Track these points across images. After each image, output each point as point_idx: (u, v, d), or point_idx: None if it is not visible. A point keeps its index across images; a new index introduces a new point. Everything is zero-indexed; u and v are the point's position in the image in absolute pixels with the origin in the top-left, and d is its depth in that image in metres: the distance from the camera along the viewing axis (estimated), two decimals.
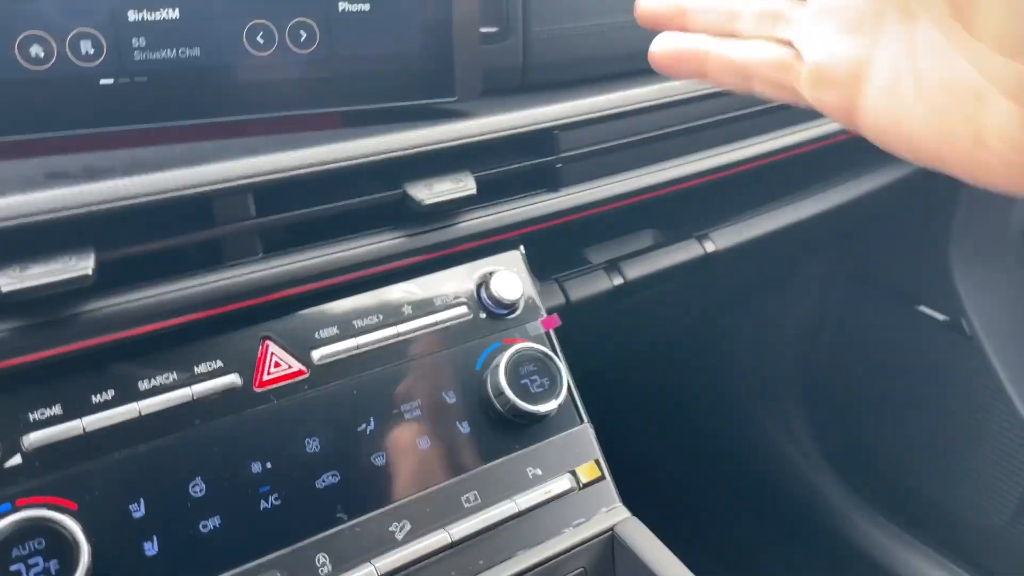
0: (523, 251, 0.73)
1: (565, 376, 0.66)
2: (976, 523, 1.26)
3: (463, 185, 0.65)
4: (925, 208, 1.21)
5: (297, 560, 0.54)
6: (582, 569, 0.62)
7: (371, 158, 0.61)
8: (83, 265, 0.51)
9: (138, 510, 0.52)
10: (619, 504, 0.65)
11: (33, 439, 0.51)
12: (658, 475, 1.57)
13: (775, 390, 1.47)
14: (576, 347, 0.73)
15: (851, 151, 0.98)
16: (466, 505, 0.60)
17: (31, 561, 0.47)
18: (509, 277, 0.69)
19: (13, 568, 0.47)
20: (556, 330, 0.71)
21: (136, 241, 0.55)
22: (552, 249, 0.82)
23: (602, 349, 1.15)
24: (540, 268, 0.80)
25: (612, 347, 1.19)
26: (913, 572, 1.35)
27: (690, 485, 1.56)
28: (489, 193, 0.69)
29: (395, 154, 0.62)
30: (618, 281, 0.84)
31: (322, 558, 0.55)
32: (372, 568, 0.56)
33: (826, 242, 1.31)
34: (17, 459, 0.50)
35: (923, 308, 1.26)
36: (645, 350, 1.39)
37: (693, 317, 1.37)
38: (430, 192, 0.64)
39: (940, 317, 1.25)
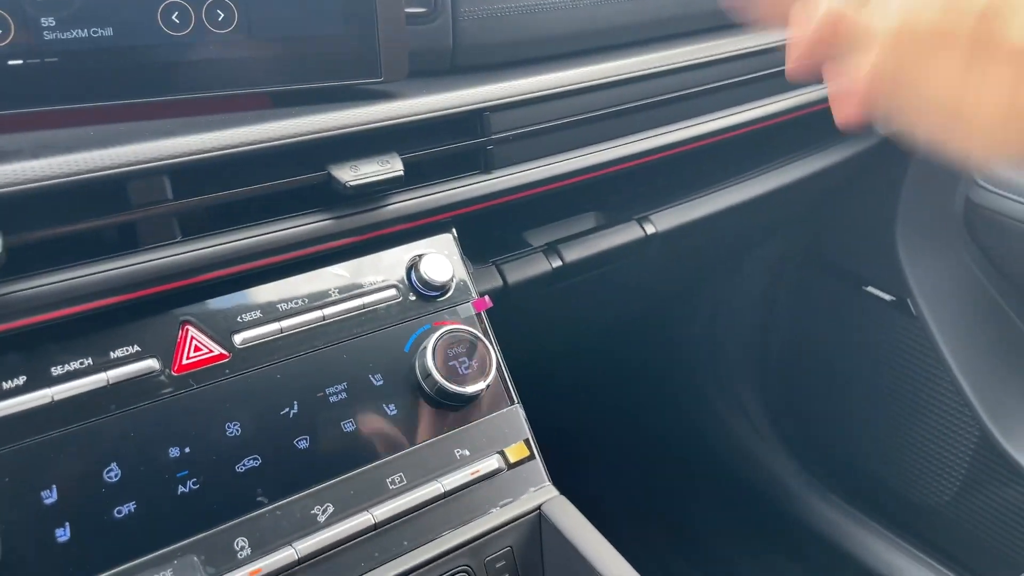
0: (455, 234, 0.72)
1: (495, 357, 0.66)
2: (922, 500, 1.29)
3: (390, 167, 0.65)
4: (872, 190, 1.23)
5: (215, 544, 0.54)
6: (509, 548, 0.62)
7: (294, 139, 0.61)
8: None
9: (50, 496, 0.51)
10: (548, 484, 0.66)
11: None
12: (607, 459, 1.58)
13: (728, 373, 1.49)
14: (520, 332, 0.73)
15: (796, 131, 0.99)
16: (391, 487, 0.60)
17: None
18: (439, 259, 0.68)
19: None
20: (498, 315, 0.71)
21: (47, 225, 0.54)
22: (491, 234, 0.82)
23: (549, 334, 1.15)
24: (479, 252, 0.80)
25: (561, 332, 1.20)
26: (863, 549, 1.37)
27: (643, 468, 1.57)
28: (419, 176, 0.69)
29: (318, 135, 0.62)
30: (556, 263, 0.84)
31: (241, 542, 0.55)
32: (292, 551, 0.55)
33: (775, 226, 1.32)
34: None
35: (870, 289, 1.28)
36: (595, 336, 1.39)
37: (645, 302, 1.37)
38: (355, 174, 0.63)
39: (887, 297, 1.26)
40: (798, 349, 1.44)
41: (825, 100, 0.93)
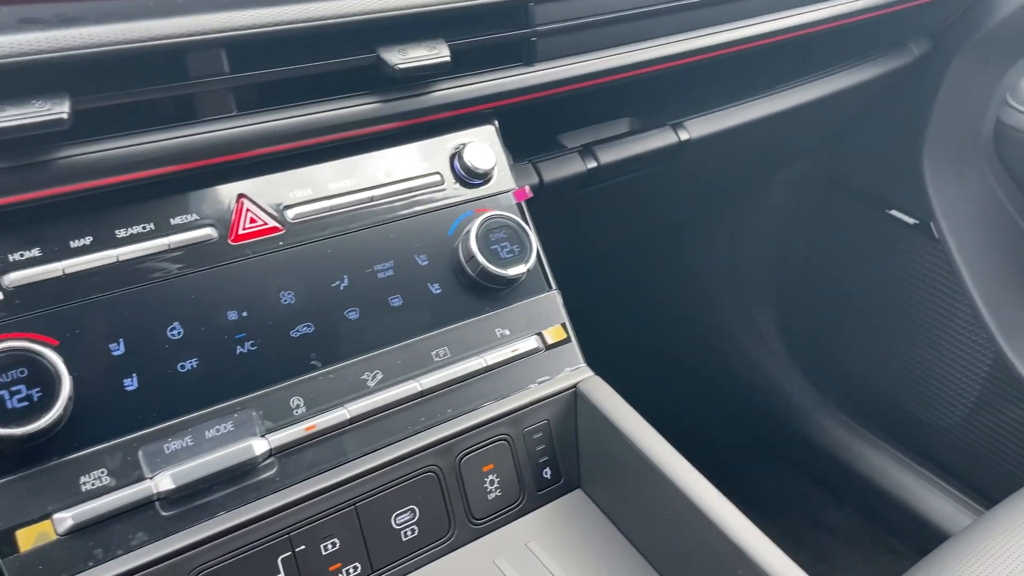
0: (497, 126, 0.74)
1: (535, 244, 0.68)
2: (933, 421, 1.32)
3: (437, 52, 0.66)
4: (900, 111, 1.23)
5: (273, 401, 0.57)
6: (546, 421, 0.65)
7: (345, 18, 0.62)
8: (59, 110, 0.52)
9: (117, 348, 0.54)
10: (583, 364, 0.68)
11: (13, 278, 0.52)
12: (627, 362, 1.61)
13: (745, 294, 1.51)
14: (551, 230, 0.75)
15: (834, 42, 0.99)
16: (436, 359, 0.63)
17: (14, 388, 0.50)
18: (482, 148, 0.70)
19: None
20: (531, 213, 0.72)
21: (111, 90, 0.55)
22: (528, 134, 0.84)
23: (576, 239, 1.17)
24: (516, 151, 0.81)
25: (586, 238, 1.21)
26: (871, 468, 1.41)
27: (660, 376, 1.60)
28: (463, 65, 0.70)
29: (370, 16, 0.63)
30: (591, 165, 0.85)
31: (297, 400, 0.58)
32: (345, 411, 0.58)
33: (802, 147, 1.33)
34: None
35: (894, 212, 1.29)
36: (619, 246, 1.41)
37: (668, 217, 1.39)
38: (403, 57, 0.64)
39: (910, 221, 1.27)
40: (817, 272, 1.45)
41: (863, 11, 0.92)
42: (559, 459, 0.66)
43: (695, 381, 1.59)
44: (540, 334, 0.67)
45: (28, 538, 0.49)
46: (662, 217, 1.32)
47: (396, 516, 0.59)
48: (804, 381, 1.51)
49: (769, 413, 1.50)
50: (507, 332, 0.66)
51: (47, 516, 0.50)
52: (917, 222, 1.27)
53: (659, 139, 0.90)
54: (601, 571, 0.60)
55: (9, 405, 0.49)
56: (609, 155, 0.87)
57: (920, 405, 1.34)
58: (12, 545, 0.49)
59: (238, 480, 0.55)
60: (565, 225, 0.99)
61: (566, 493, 0.67)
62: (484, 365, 0.64)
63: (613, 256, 1.43)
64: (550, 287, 0.70)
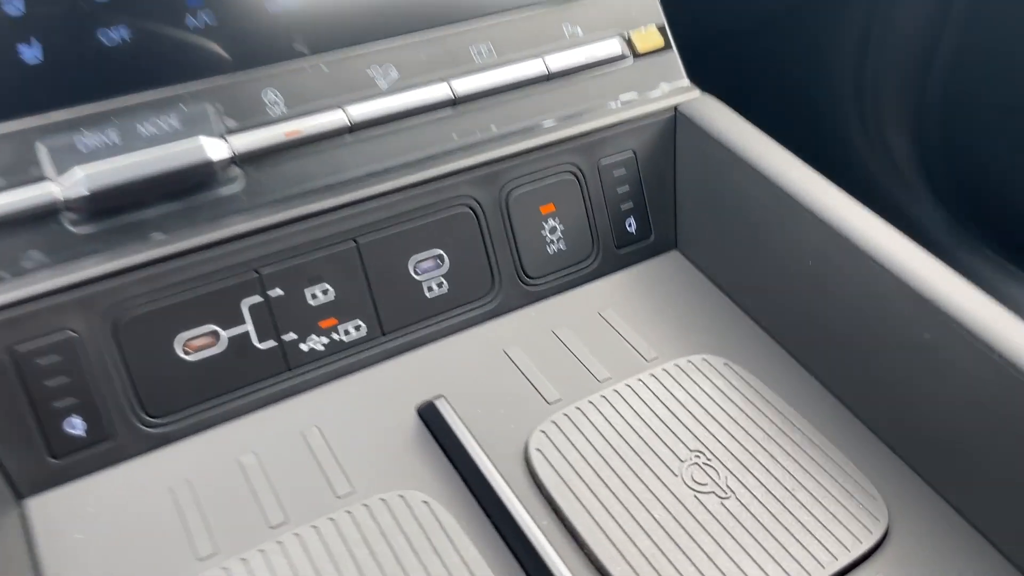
0: None
1: None
2: None
3: None
4: None
5: (238, 92, 0.40)
6: (631, 153, 0.46)
7: None
8: None
9: (14, 4, 0.37)
10: (686, 80, 0.49)
11: None
12: None
13: (876, 103, 1.26)
14: None
15: None
16: (476, 58, 0.44)
17: None
18: None
19: None
20: None
21: None
22: None
23: None
24: None
25: None
26: (1015, 299, 1.18)
27: None
28: None
29: None
30: None
31: (273, 95, 0.40)
32: (342, 114, 0.41)
33: None
34: None
35: None
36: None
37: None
38: None
39: None
40: (968, 80, 1.18)
41: None
42: (648, 206, 0.48)
43: None
44: (627, 37, 0.48)
45: None
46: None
47: (416, 262, 0.42)
48: (938, 211, 1.26)
49: None
50: (579, 31, 0.47)
51: None
52: None
53: None
54: (704, 348, 0.42)
55: None
56: None
57: None
58: None
59: (186, 194, 0.38)
60: None
61: (657, 255, 0.48)
62: (544, 71, 0.45)
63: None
64: None
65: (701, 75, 0.51)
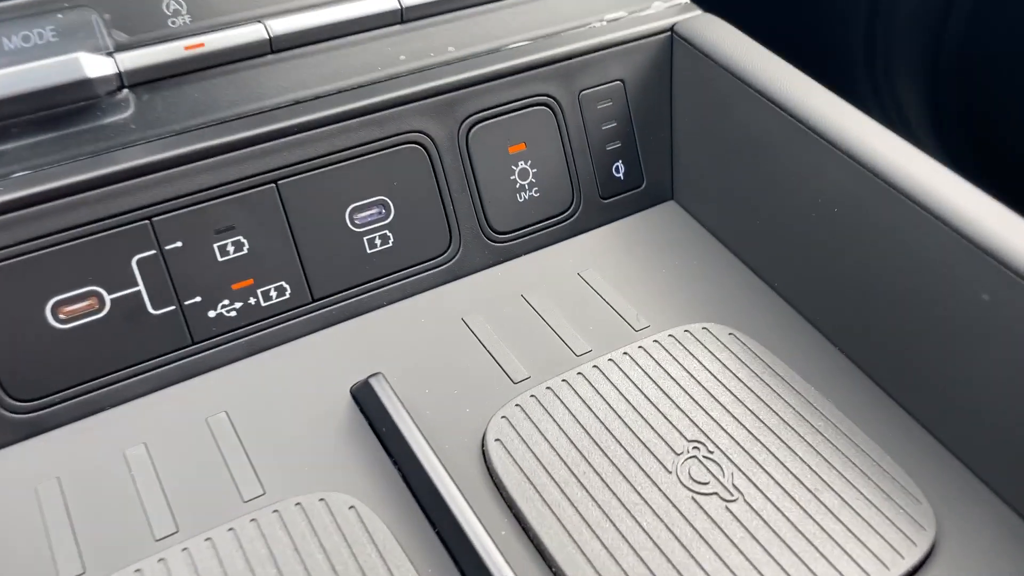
0: None
1: None
2: None
3: None
4: None
5: None
6: (618, 82, 0.39)
7: None
8: None
9: None
10: None
11: None
12: None
13: (889, 59, 1.18)
14: None
15: None
16: None
17: None
18: None
19: None
20: None
21: None
22: None
23: None
24: None
25: None
26: None
27: None
28: None
29: None
30: None
31: (174, 3, 0.33)
32: (261, 28, 0.33)
33: None
34: None
35: None
36: None
37: None
38: None
39: None
40: (989, 35, 1.10)
41: None
42: (639, 147, 0.40)
43: None
44: None
45: None
46: None
47: (354, 211, 0.35)
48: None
49: None
50: None
51: None
52: None
53: None
54: (705, 315, 0.35)
55: None
56: None
57: None
58: None
59: (60, 122, 0.31)
60: None
61: (650, 206, 0.41)
62: None
63: None
64: None
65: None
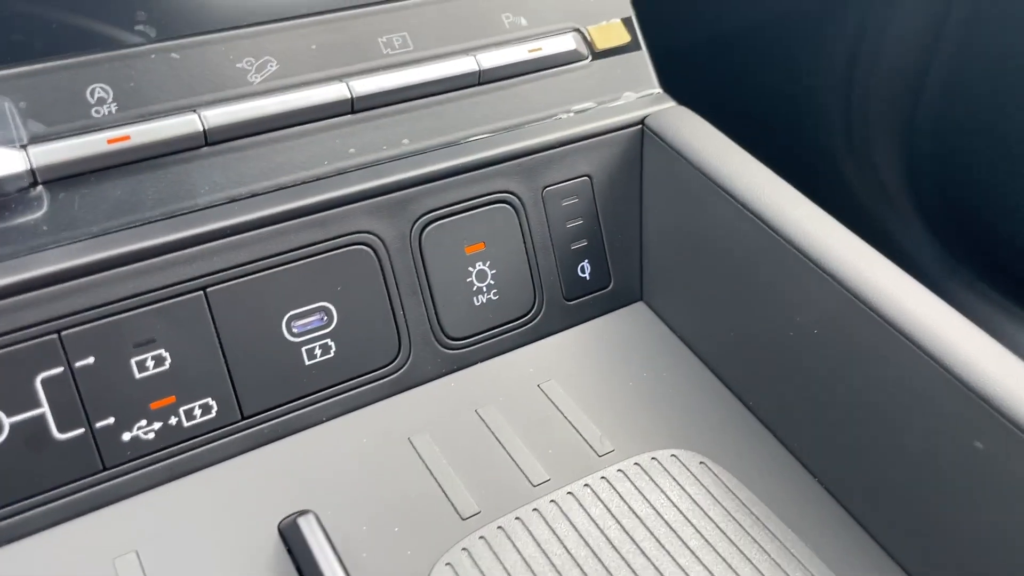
0: None
1: None
2: None
3: None
4: None
5: (54, 86, 0.29)
6: (585, 177, 0.36)
7: None
8: None
9: None
10: (657, 88, 0.39)
11: None
12: None
13: (865, 121, 1.17)
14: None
15: None
16: (386, 51, 0.34)
17: None
18: None
19: None
20: None
21: None
22: None
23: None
24: None
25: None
26: (1013, 339, 1.10)
27: None
28: None
29: None
30: None
31: (99, 89, 0.30)
32: (194, 118, 0.30)
33: None
34: None
35: None
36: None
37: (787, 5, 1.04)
38: None
39: None
40: (965, 97, 1.10)
41: None
42: (606, 246, 0.38)
43: None
44: (583, 31, 0.38)
45: None
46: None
47: (291, 319, 0.31)
48: (931, 241, 1.18)
49: None
50: (522, 21, 0.37)
51: None
52: None
53: None
54: (674, 440, 0.32)
55: None
56: None
57: None
58: None
59: None
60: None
61: (618, 307, 0.38)
62: (475, 69, 0.35)
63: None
64: None
65: (675, 87, 0.41)
